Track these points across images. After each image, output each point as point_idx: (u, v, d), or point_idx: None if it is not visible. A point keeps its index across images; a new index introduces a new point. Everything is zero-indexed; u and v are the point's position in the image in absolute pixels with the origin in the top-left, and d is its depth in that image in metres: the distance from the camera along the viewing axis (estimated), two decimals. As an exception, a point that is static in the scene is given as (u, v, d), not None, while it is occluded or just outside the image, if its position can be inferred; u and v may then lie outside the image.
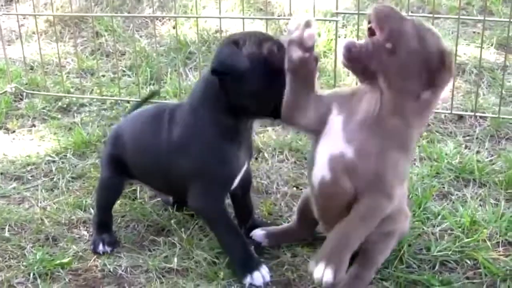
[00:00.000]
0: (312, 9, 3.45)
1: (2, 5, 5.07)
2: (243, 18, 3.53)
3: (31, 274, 2.44)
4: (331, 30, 3.95)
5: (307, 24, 2.04)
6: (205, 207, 2.42)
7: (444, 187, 2.85)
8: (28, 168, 3.17)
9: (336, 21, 3.40)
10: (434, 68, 2.00)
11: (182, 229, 2.65)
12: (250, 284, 2.34)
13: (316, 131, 2.14)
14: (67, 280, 2.43)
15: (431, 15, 3.51)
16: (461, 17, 3.45)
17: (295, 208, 2.70)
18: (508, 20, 3.36)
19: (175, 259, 2.49)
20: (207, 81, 2.35)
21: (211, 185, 2.38)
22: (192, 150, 2.36)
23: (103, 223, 2.65)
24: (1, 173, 3.15)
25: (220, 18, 3.68)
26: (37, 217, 2.78)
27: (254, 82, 2.26)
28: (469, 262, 2.38)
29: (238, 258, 2.40)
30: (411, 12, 4.45)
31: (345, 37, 4.13)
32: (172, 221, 2.70)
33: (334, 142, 2.08)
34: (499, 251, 2.43)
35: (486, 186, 2.84)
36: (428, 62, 1.99)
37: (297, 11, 4.32)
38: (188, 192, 2.41)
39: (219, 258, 2.48)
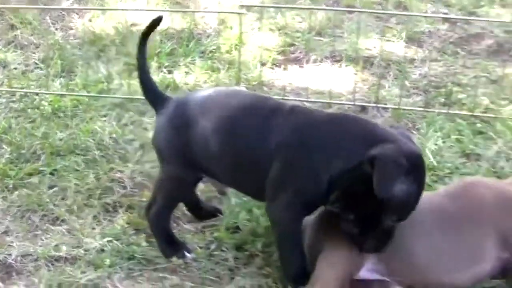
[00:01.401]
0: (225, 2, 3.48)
1: None
2: (156, 10, 3.55)
3: None
4: (243, 23, 3.99)
5: None
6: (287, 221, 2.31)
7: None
8: None
9: (240, 14, 3.44)
10: None
11: (76, 218, 2.67)
12: None
13: None
14: (-47, 269, 2.44)
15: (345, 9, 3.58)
16: (366, 10, 3.54)
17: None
18: (413, 14, 3.45)
19: (64, 247, 2.51)
20: (353, 144, 2.17)
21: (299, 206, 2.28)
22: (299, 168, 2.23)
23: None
24: None
25: (128, 10, 3.71)
26: None
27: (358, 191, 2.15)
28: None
29: (289, 276, 2.35)
30: (326, 5, 4.52)
31: (259, 30, 4.18)
32: (67, 210, 2.72)
33: None
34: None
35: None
36: None
37: (211, 4, 4.37)
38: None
39: (108, 246, 2.51)
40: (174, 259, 2.46)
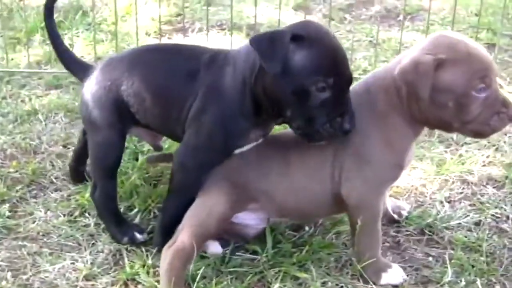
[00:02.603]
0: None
1: None
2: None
3: None
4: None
5: None
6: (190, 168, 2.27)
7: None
8: None
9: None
10: None
11: None
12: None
13: None
14: None
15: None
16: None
17: (62, 165, 2.80)
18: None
19: None
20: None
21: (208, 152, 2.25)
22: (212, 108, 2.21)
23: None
24: None
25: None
26: None
27: (274, 88, 2.09)
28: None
29: (163, 227, 2.33)
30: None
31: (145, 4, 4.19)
32: None
33: None
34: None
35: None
36: None
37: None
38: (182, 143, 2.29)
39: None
40: (124, 240, 2.40)
